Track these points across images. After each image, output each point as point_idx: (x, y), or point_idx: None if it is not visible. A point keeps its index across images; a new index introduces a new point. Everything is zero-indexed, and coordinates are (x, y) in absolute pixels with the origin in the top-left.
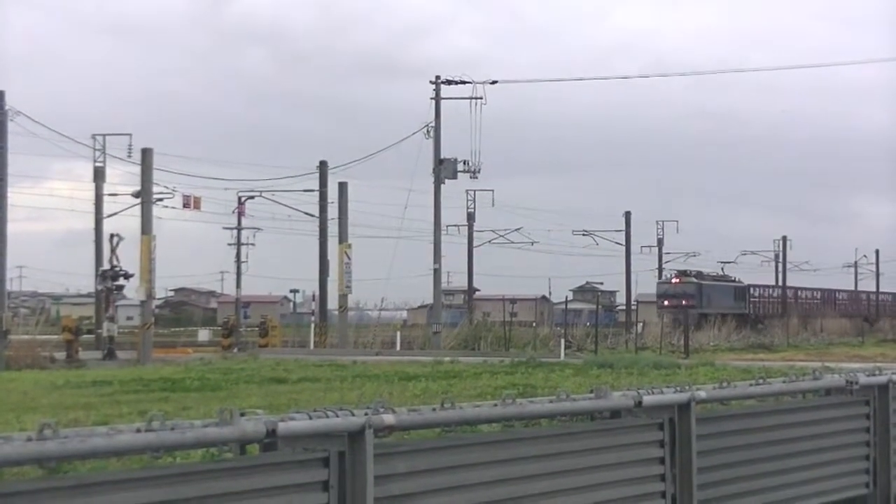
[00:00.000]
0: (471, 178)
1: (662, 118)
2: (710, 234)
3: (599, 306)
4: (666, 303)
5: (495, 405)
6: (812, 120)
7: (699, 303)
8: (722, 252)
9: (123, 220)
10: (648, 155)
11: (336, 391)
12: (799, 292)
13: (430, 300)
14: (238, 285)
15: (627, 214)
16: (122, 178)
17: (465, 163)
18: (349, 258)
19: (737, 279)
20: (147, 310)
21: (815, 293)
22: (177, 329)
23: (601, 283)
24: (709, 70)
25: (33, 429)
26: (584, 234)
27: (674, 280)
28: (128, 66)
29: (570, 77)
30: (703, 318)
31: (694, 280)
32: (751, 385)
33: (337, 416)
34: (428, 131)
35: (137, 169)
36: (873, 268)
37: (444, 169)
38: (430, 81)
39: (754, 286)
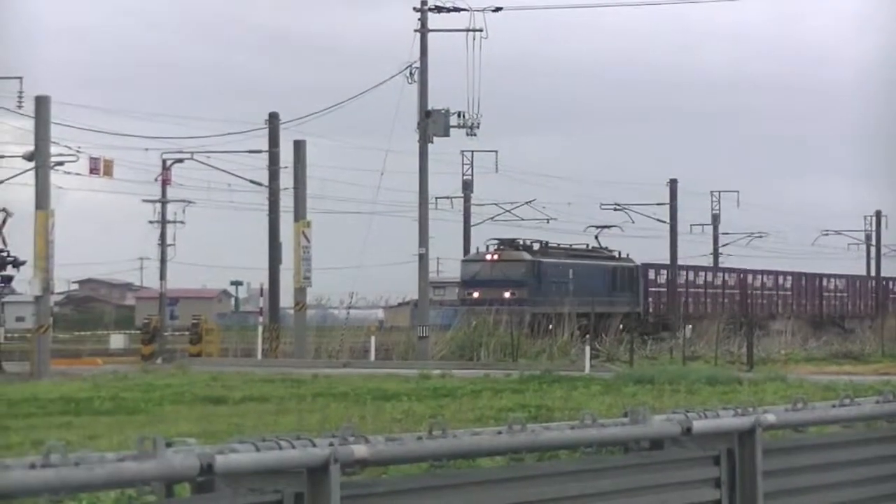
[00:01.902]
0: (467, 135)
1: (718, 57)
2: (781, 210)
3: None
4: (475, 294)
5: (499, 432)
6: None
7: (535, 293)
8: (798, 232)
9: (12, 191)
10: (700, 105)
11: (292, 414)
12: (825, 280)
13: (413, 295)
14: (162, 276)
15: (672, 183)
16: (12, 135)
17: (459, 115)
18: (308, 240)
19: (625, 255)
20: (43, 308)
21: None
22: (82, 333)
23: None
24: None
25: None
26: (615, 209)
27: (489, 256)
28: None
29: (598, 2)
30: (548, 322)
31: (525, 257)
32: (833, 406)
33: (293, 447)
34: (411, 73)
35: (30, 123)
36: None
37: (432, 123)
38: (415, 8)
39: (652, 266)
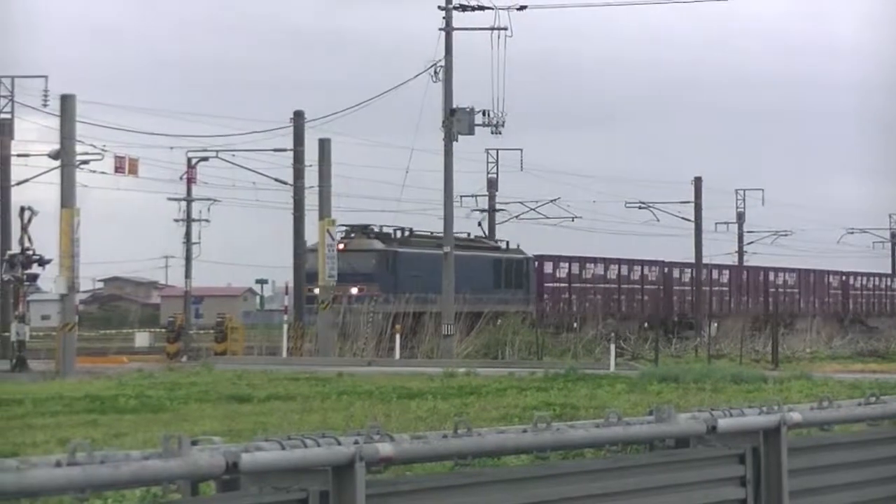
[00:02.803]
0: (492, 133)
1: (747, 55)
2: (806, 208)
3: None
4: (317, 290)
5: (524, 431)
6: None
7: (389, 288)
8: (823, 229)
9: (38, 190)
10: (726, 104)
11: (316, 412)
12: (851, 279)
13: None
14: (187, 275)
15: (697, 181)
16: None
17: (484, 114)
18: (333, 239)
19: (514, 246)
20: (69, 306)
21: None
22: (108, 331)
23: None
24: None
25: None
26: (640, 207)
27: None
28: None
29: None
30: (414, 321)
31: (377, 245)
32: (859, 405)
33: (318, 446)
34: (436, 72)
35: (56, 122)
36: None
37: (456, 121)
38: (439, 7)
39: (549, 258)
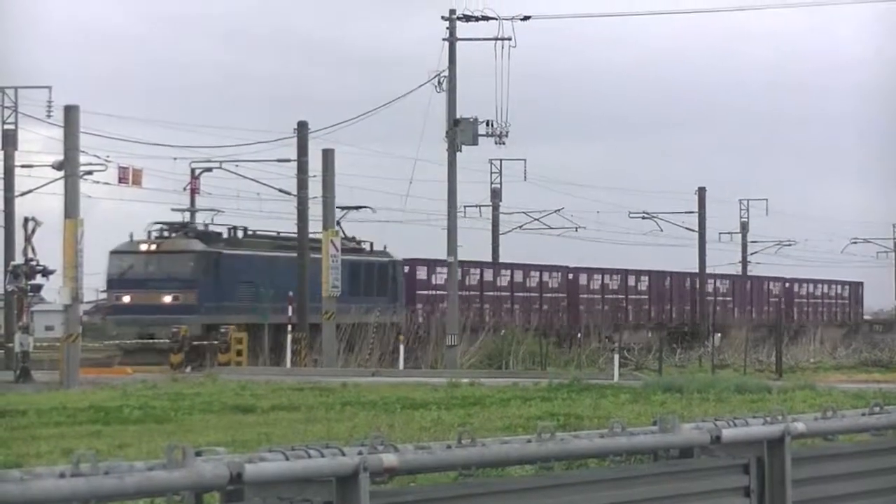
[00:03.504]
0: (496, 144)
1: (751, 64)
2: (809, 217)
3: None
4: (126, 298)
5: (529, 441)
6: None
7: (210, 296)
8: (828, 240)
9: (42, 200)
10: (731, 114)
11: (320, 423)
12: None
13: None
14: None
15: (701, 191)
16: (41, 144)
17: (488, 124)
18: (337, 249)
19: (382, 248)
20: (73, 317)
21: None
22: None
23: None
24: None
25: None
26: (644, 217)
27: (145, 246)
28: None
29: (626, 11)
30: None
31: (196, 246)
32: (863, 415)
33: (322, 456)
34: (440, 82)
35: (59, 132)
36: None
37: (460, 132)
38: (443, 17)
39: (421, 262)
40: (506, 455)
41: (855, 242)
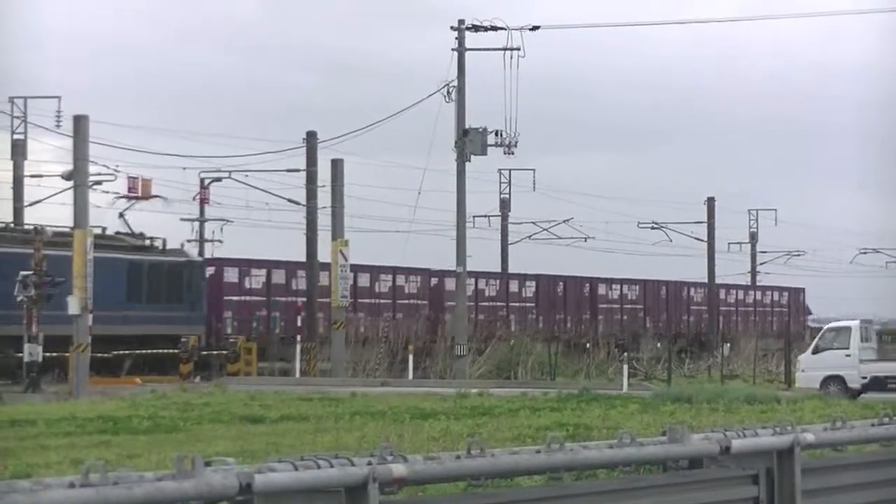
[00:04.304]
0: (505, 154)
1: (760, 74)
2: (819, 227)
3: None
4: None
5: (538, 451)
6: None
7: None
8: (837, 250)
9: (51, 210)
10: (739, 124)
11: (329, 433)
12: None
13: None
14: None
15: (710, 201)
16: (51, 154)
17: (497, 134)
18: (346, 259)
19: (180, 246)
20: (82, 327)
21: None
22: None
23: None
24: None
25: None
26: (653, 227)
27: None
28: (58, 7)
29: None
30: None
31: None
32: (872, 425)
33: (331, 466)
34: (449, 92)
35: (69, 142)
36: None
37: (469, 142)
38: (452, 27)
39: (231, 262)
40: (515, 465)
41: (864, 252)
